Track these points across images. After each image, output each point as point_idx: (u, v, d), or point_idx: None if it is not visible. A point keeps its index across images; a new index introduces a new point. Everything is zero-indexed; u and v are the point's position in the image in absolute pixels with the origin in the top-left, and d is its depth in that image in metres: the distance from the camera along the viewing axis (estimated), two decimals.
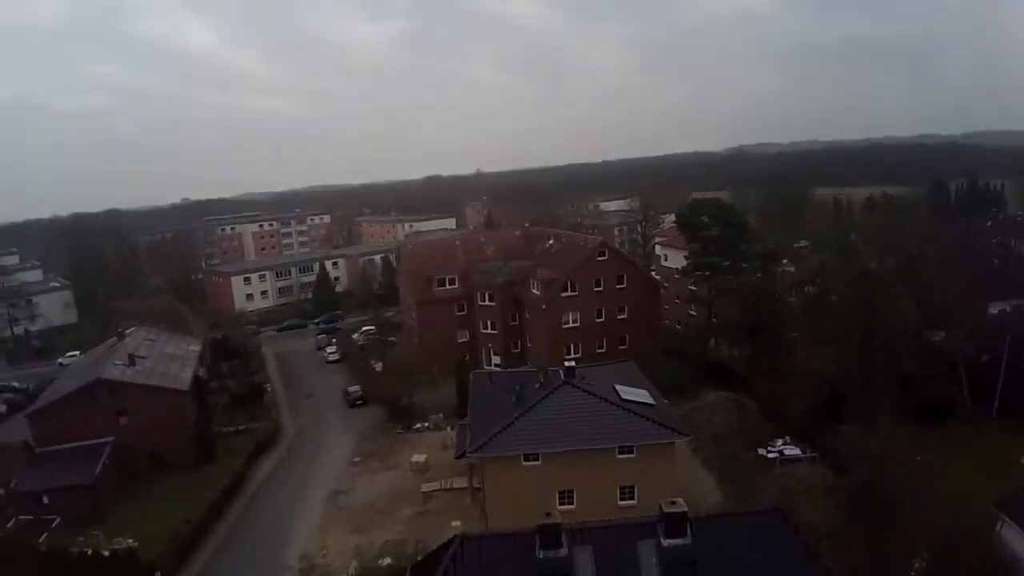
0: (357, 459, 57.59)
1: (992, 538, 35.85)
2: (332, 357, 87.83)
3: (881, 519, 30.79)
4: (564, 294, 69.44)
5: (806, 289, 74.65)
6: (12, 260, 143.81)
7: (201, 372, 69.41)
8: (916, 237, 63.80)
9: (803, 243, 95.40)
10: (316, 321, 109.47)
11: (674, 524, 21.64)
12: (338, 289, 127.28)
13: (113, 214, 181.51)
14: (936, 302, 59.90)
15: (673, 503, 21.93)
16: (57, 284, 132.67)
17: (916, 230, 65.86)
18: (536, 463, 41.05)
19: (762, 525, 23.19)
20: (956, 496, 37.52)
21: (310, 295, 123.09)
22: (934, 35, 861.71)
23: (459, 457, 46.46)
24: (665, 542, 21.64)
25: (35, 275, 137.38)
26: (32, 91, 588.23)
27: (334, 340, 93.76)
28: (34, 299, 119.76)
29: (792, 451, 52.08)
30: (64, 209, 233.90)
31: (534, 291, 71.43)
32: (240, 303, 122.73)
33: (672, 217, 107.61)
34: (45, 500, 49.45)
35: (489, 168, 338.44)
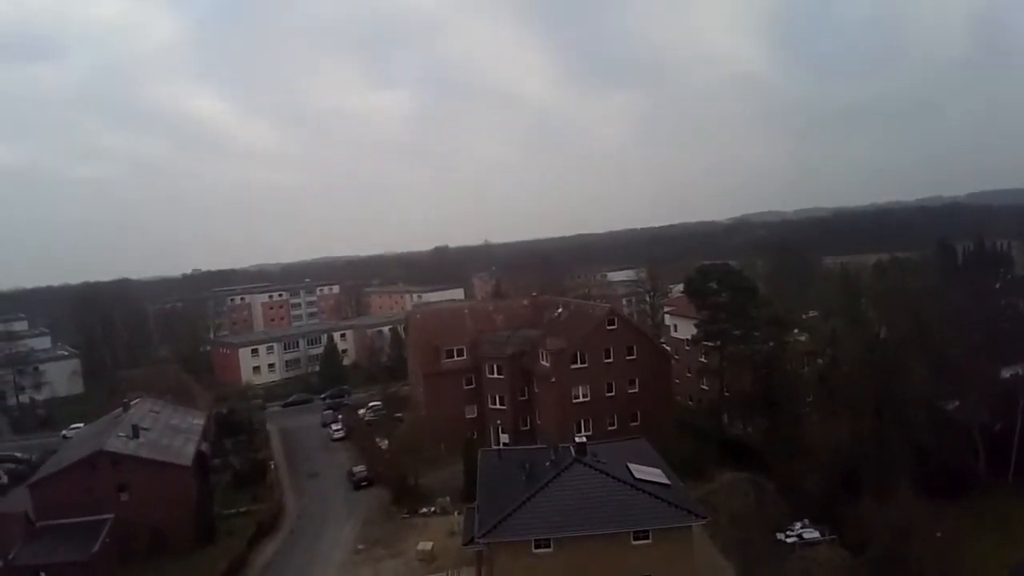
0: (361, 546, 55.41)
1: None
2: (338, 434, 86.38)
3: None
4: (574, 366, 68.34)
5: (818, 360, 73.61)
6: (21, 326, 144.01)
7: (204, 447, 68.23)
8: (925, 299, 63.19)
9: (812, 313, 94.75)
10: (323, 396, 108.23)
11: None
12: (346, 362, 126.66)
13: (123, 283, 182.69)
14: (948, 367, 58.89)
15: None
16: (65, 352, 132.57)
17: (925, 291, 65.29)
18: (548, 550, 39.45)
19: None
20: (977, 568, 35.94)
21: (318, 368, 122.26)
22: (936, 96, 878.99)
23: (467, 544, 44.68)
24: None
25: (43, 342, 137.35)
26: (43, 158, 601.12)
27: (340, 416, 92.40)
28: (41, 367, 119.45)
29: (811, 534, 50.24)
30: (74, 278, 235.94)
31: (543, 362, 70.47)
32: (247, 376, 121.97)
33: (679, 287, 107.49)
34: None
35: (496, 239, 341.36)
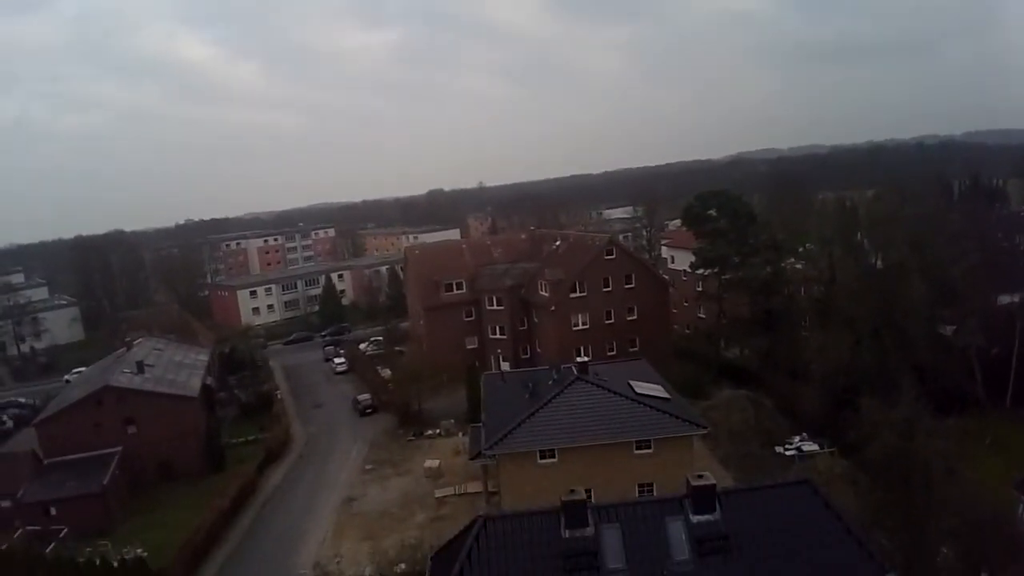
0: (369, 466, 56.90)
1: (1015, 518, 35.32)
2: (340, 368, 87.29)
3: (913, 488, 30.08)
4: (572, 295, 68.86)
5: (815, 287, 74.11)
6: (18, 278, 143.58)
7: (210, 381, 68.96)
8: (922, 225, 63.41)
9: (809, 245, 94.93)
10: (323, 334, 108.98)
11: (702, 499, 21.08)
12: (344, 302, 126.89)
13: (117, 235, 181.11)
14: (946, 291, 59.42)
15: (700, 476, 21.35)
16: (63, 301, 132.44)
17: (922, 218, 65.45)
18: (552, 460, 40.34)
19: (791, 497, 22.57)
20: (976, 482, 37.02)
21: (316, 308, 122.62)
22: (932, 34, 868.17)
23: (474, 458, 45.72)
24: (694, 518, 21.04)
25: (41, 292, 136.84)
26: (31, 110, 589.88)
27: (342, 351, 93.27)
28: (40, 316, 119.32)
29: (810, 447, 51.33)
30: (66, 232, 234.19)
31: (542, 293, 70.93)
32: (246, 317, 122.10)
33: (676, 222, 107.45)
34: (53, 511, 48.96)
35: (491, 181, 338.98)
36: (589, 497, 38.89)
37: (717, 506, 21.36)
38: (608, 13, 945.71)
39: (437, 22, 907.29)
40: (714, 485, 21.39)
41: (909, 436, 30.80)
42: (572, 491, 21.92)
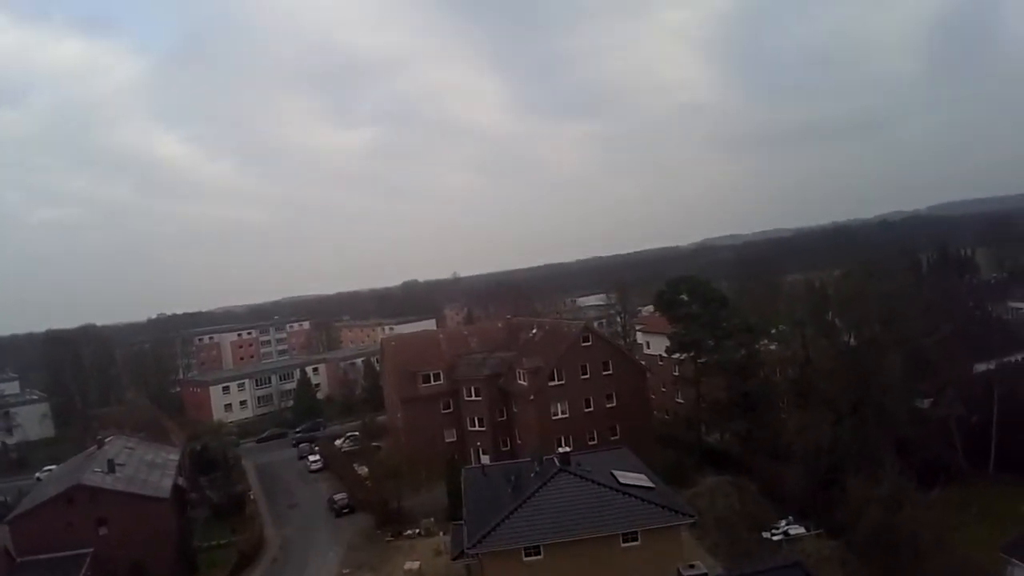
0: (346, 570, 54.79)
1: None
2: (315, 465, 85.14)
3: (902, 561, 29.84)
4: (551, 383, 68.87)
5: (789, 370, 74.94)
6: None
7: (181, 481, 66.94)
8: (893, 300, 65.05)
9: (781, 327, 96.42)
10: (297, 430, 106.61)
11: None
12: (319, 396, 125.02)
13: (88, 329, 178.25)
14: (921, 364, 60.51)
15: (692, 566, 21.15)
16: (35, 397, 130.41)
17: (892, 293, 67.21)
18: (538, 557, 39.44)
19: None
20: (964, 551, 36.90)
21: (291, 403, 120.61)
22: (887, 113, 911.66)
23: (456, 558, 44.56)
24: None
25: (12, 387, 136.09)
26: (3, 202, 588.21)
27: (316, 448, 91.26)
28: (12, 411, 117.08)
29: (797, 530, 50.83)
30: (37, 325, 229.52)
31: (520, 382, 70.82)
32: (219, 413, 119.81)
33: (649, 308, 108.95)
34: None
35: (465, 271, 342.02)
36: None
37: None
38: (570, 109, 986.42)
39: (408, 123, 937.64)
40: (705, 574, 21.17)
41: (896, 511, 30.81)
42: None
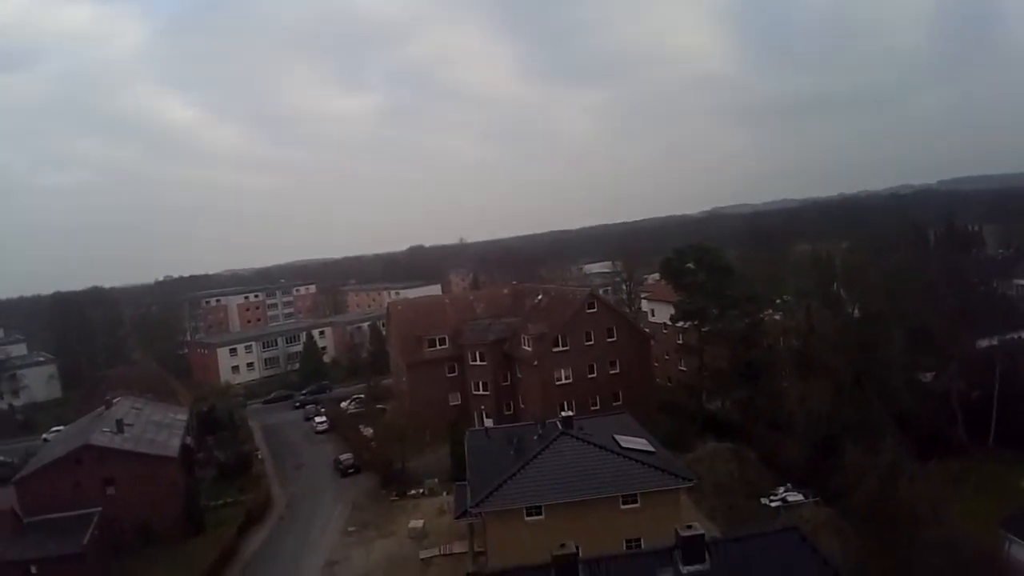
0: (351, 528, 55.95)
1: (1001, 556, 35.60)
2: (321, 427, 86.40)
3: (898, 531, 30.39)
4: (555, 349, 69.30)
5: (793, 340, 75.18)
6: None
7: (189, 441, 68.01)
8: (899, 274, 65.08)
9: (787, 297, 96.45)
10: (303, 392, 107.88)
11: (692, 549, 21.28)
12: (326, 359, 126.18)
13: (95, 292, 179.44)
14: (924, 338, 60.67)
15: (690, 527, 21.59)
16: (41, 359, 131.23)
17: (898, 267, 67.21)
18: (539, 517, 40.02)
19: (780, 545, 22.85)
20: (961, 523, 37.37)
21: (297, 366, 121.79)
22: (901, 86, 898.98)
23: (460, 517, 45.35)
24: (684, 569, 21.19)
25: (19, 349, 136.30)
26: (13, 166, 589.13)
27: (322, 409, 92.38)
28: (18, 373, 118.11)
29: (795, 497, 51.50)
30: (44, 288, 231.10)
31: (525, 347, 71.28)
32: (226, 375, 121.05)
33: (655, 276, 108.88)
34: (33, 570, 47.53)
35: (472, 237, 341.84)
36: (578, 553, 39.14)
37: (707, 556, 21.58)
38: (580, 78, 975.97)
39: (417, 88, 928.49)
40: (703, 535, 21.66)
41: (892, 482, 31.22)
42: (562, 546, 21.95)
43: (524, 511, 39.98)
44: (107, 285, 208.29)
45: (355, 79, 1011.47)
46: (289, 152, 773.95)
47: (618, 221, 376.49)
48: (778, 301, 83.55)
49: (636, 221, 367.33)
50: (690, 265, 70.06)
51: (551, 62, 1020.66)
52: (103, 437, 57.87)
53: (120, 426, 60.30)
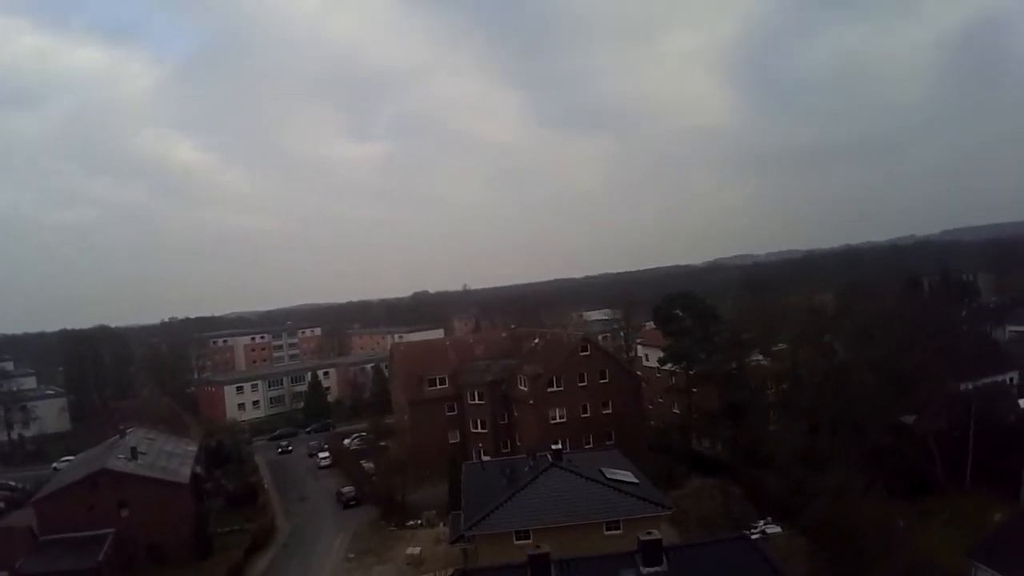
0: (351, 555, 58.43)
1: None
2: (324, 462, 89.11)
3: (844, 552, 33.17)
4: (550, 389, 72.57)
5: (782, 386, 78.12)
6: (7, 366, 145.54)
7: (199, 471, 70.93)
8: (881, 320, 68.09)
9: (782, 345, 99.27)
10: (307, 430, 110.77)
11: (651, 553, 24.40)
12: (330, 398, 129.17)
13: (103, 330, 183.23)
14: (905, 382, 63.41)
15: (649, 533, 24.78)
16: (51, 392, 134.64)
17: (881, 313, 70.29)
18: (527, 542, 42.76)
19: (731, 551, 25.94)
20: (930, 552, 39.76)
21: (302, 405, 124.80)
22: (905, 134, 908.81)
23: (454, 541, 48.13)
24: (645, 570, 24.32)
25: (30, 382, 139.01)
26: (21, 205, 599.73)
27: (326, 445, 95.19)
28: (29, 405, 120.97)
29: (773, 529, 53.97)
30: (49, 325, 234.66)
31: (522, 387, 74.54)
32: (232, 413, 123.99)
33: (652, 323, 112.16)
34: None
35: (476, 284, 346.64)
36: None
37: (664, 559, 24.70)
38: (584, 128, 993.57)
39: (422, 136, 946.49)
40: (660, 540, 24.81)
41: (841, 498, 34.04)
42: (537, 546, 25.12)
43: (514, 535, 42.95)
44: (113, 324, 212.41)
45: (362, 126, 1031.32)
46: (296, 196, 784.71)
47: (622, 270, 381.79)
48: (774, 348, 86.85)
49: (640, 271, 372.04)
50: (678, 312, 73.65)
51: (555, 111, 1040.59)
52: (119, 463, 60.94)
53: (134, 453, 63.43)
